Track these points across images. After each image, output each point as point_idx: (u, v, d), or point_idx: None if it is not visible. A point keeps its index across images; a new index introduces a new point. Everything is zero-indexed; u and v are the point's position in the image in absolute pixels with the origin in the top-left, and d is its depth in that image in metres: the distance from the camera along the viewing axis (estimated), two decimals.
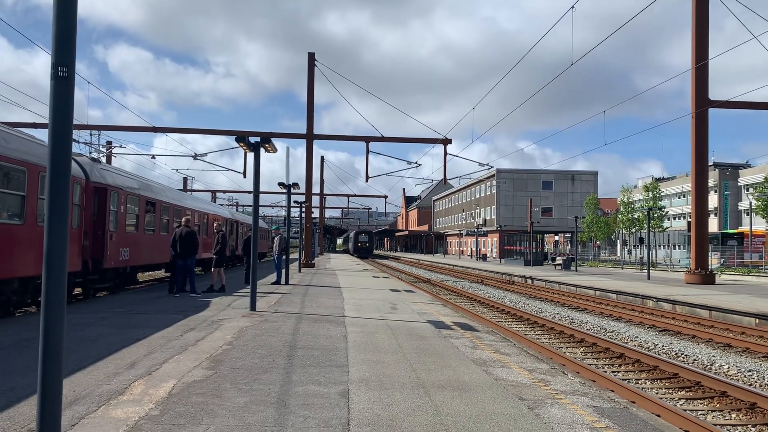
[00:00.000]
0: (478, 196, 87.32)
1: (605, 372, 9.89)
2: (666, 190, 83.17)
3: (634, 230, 60.35)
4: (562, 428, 5.07)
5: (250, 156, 13.17)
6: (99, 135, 50.93)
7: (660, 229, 58.54)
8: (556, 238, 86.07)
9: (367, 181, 35.58)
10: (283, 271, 21.57)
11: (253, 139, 12.76)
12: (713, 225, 75.16)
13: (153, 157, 37.52)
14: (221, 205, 55.27)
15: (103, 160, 31.03)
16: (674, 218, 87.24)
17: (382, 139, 32.87)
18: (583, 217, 63.62)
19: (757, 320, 15.68)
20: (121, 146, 39.72)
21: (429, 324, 11.67)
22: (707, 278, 26.58)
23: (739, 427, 7.25)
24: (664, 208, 61.26)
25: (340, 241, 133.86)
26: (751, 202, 53.10)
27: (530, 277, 33.66)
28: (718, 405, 8.16)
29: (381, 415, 5.24)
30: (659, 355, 11.54)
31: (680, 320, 17.01)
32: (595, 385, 7.29)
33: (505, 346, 9.54)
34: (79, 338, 8.72)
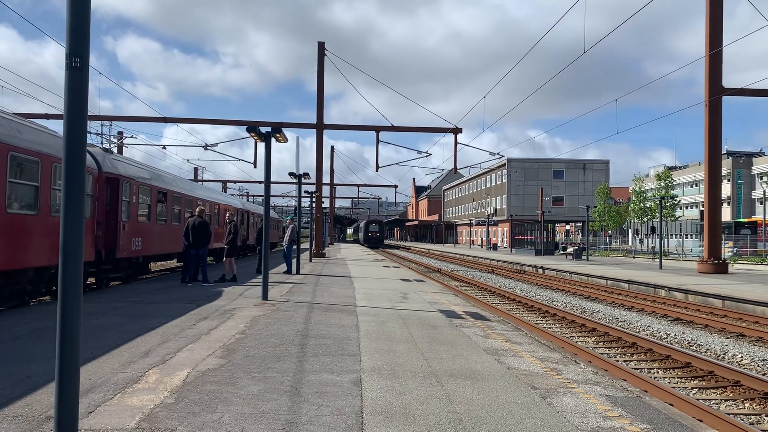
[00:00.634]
0: (488, 186, 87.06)
1: (617, 361, 9.88)
2: (678, 179, 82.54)
3: (646, 219, 59.99)
4: (575, 417, 5.07)
5: (260, 146, 13.21)
6: (110, 126, 51.17)
7: (672, 219, 58.17)
8: (567, 227, 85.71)
9: (377, 170, 35.60)
10: (294, 260, 21.64)
11: (264, 129, 12.77)
12: (726, 214, 74.61)
13: (164, 147, 37.72)
14: (232, 195, 55.46)
15: (115, 150, 31.20)
16: (686, 207, 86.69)
17: (393, 128, 32.80)
18: (595, 207, 63.28)
19: None
20: (132, 137, 39.89)
21: (440, 313, 11.69)
22: (720, 267, 26.39)
23: (752, 417, 7.22)
24: (677, 197, 60.87)
25: (350, 231, 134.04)
26: (765, 191, 52.60)
27: (541, 267, 33.59)
28: (731, 394, 8.14)
29: (394, 404, 5.26)
30: (672, 344, 11.49)
31: (693, 310, 16.93)
32: (607, 374, 7.27)
33: (517, 336, 9.54)
34: (94, 327, 8.81)
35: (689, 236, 54.57)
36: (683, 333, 13.11)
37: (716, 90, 25.92)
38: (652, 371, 9.50)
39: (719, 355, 10.96)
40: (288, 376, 6.15)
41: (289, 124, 36.92)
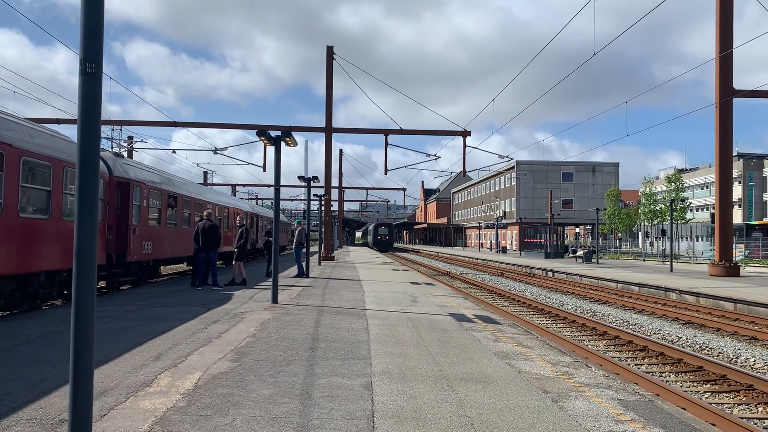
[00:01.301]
0: (497, 188, 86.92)
1: (628, 365, 9.82)
2: (688, 182, 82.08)
3: (656, 222, 59.69)
4: (587, 421, 5.05)
5: (270, 149, 13.24)
6: (120, 130, 51.51)
7: (683, 221, 57.85)
8: (577, 230, 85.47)
9: (386, 173, 35.58)
10: (303, 263, 21.68)
11: (273, 133, 12.82)
12: (737, 216, 74.05)
13: (173, 151, 37.93)
14: (241, 198, 55.66)
15: (125, 154, 31.39)
16: (697, 210, 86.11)
17: (401, 131, 32.85)
18: (605, 209, 63.03)
19: None
20: (142, 141, 40.16)
21: (450, 317, 11.67)
22: (731, 270, 26.20)
23: (766, 421, 7.16)
24: (687, 199, 60.52)
25: (358, 234, 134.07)
26: None
27: (551, 270, 33.47)
28: (744, 398, 8.07)
29: (405, 408, 5.26)
30: (683, 348, 11.42)
31: (704, 313, 16.81)
32: (618, 377, 7.24)
33: (527, 339, 9.51)
34: (105, 331, 8.86)
35: (700, 239, 54.26)
36: (695, 336, 13.02)
37: (727, 92, 25.78)
38: (663, 375, 9.44)
39: (731, 359, 10.87)
40: (299, 379, 6.16)
41: (297, 127, 36.99)
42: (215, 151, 34.40)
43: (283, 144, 12.99)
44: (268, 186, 60.26)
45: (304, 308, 12.15)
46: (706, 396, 8.22)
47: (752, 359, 10.72)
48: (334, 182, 48.51)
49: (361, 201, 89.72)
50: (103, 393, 5.44)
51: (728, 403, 7.87)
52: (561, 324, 14.80)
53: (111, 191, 15.33)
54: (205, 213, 17.10)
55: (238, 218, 18.32)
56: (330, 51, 33.35)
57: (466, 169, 34.45)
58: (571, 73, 20.22)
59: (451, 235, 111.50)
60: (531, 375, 6.73)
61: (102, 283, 16.10)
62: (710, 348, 11.83)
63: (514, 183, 78.91)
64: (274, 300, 12.82)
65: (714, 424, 6.46)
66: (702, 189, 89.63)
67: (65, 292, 13.43)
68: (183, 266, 28.36)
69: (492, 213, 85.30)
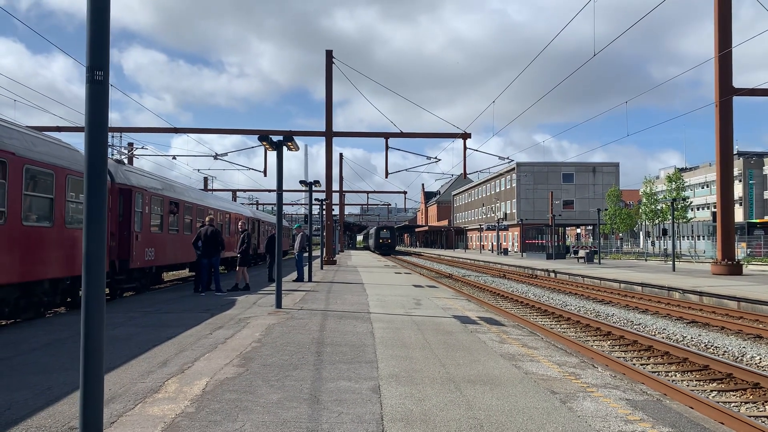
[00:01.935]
0: (498, 190, 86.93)
1: (634, 365, 9.81)
2: (689, 180, 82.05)
3: (657, 222, 59.67)
4: (597, 421, 5.04)
5: (270, 154, 13.25)
6: (120, 137, 51.59)
7: (684, 220, 57.82)
8: (578, 230, 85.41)
9: (386, 177, 35.56)
10: (305, 268, 21.67)
11: (275, 138, 12.83)
12: (738, 215, 73.99)
13: (174, 157, 37.92)
14: (242, 203, 55.66)
15: (126, 161, 31.41)
16: (698, 209, 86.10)
17: (402, 135, 32.84)
18: (605, 210, 63.01)
19: None
20: (142, 147, 40.17)
21: (454, 319, 11.67)
22: (734, 269, 26.19)
23: None
24: (688, 198, 60.52)
25: (359, 237, 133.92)
26: None
27: (553, 271, 33.45)
28: (751, 397, 8.07)
29: (413, 410, 5.25)
30: (688, 347, 11.41)
31: (708, 312, 16.80)
32: (625, 377, 7.23)
33: (533, 340, 9.50)
34: (111, 338, 8.85)
35: (701, 238, 54.23)
36: (699, 335, 13.01)
37: (727, 91, 25.80)
38: (669, 374, 9.44)
39: (737, 357, 10.86)
40: (306, 383, 6.16)
41: (298, 132, 36.96)
42: (216, 156, 34.41)
43: (284, 149, 13.01)
44: (269, 191, 60.27)
45: (309, 312, 12.14)
46: (713, 395, 8.21)
47: (758, 357, 10.71)
48: (335, 186, 48.53)
49: (361, 205, 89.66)
50: (112, 400, 5.43)
51: (735, 402, 7.87)
52: (565, 325, 14.79)
53: (113, 198, 15.34)
54: (207, 218, 17.12)
55: (240, 223, 18.33)
56: (329, 55, 33.38)
57: (467, 172, 34.43)
58: (572, 73, 20.26)
59: (453, 237, 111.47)
60: (538, 376, 6.73)
61: (105, 290, 16.08)
62: (715, 347, 11.82)
63: (514, 184, 78.91)
64: (278, 305, 12.81)
65: (722, 423, 6.45)
66: (703, 188, 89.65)
67: (69, 299, 13.43)
68: (185, 272, 28.37)
69: (493, 215, 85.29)
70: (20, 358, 7.44)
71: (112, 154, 41.22)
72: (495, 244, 74.87)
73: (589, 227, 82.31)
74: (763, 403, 7.75)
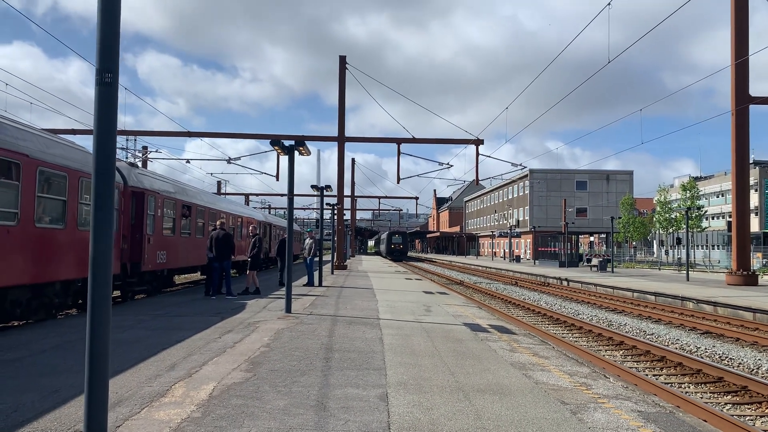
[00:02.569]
0: (510, 197, 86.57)
1: (647, 375, 9.67)
2: (703, 189, 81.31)
3: (671, 230, 59.14)
4: None
5: (282, 159, 13.26)
6: (135, 140, 52.02)
7: (698, 230, 57.27)
8: (591, 238, 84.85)
9: (398, 182, 35.50)
10: (316, 273, 21.65)
11: (287, 143, 12.83)
12: (754, 224, 73.15)
13: (187, 161, 38.13)
14: (254, 207, 55.84)
15: (140, 164, 31.61)
16: (712, 218, 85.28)
17: (414, 140, 32.80)
18: (619, 218, 62.57)
19: None
20: (156, 151, 40.45)
21: (465, 327, 11.58)
22: (750, 279, 25.84)
23: None
24: (703, 207, 59.96)
25: (371, 243, 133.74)
26: None
27: (566, 279, 33.21)
28: (767, 410, 7.91)
29: (421, 419, 5.18)
30: (702, 358, 11.24)
31: (723, 322, 16.57)
32: (637, 389, 7.12)
33: (544, 350, 9.40)
34: (119, 341, 8.86)
35: (716, 247, 53.67)
36: (713, 346, 12.82)
37: (743, 99, 25.53)
38: (683, 386, 9.29)
39: (752, 370, 10.68)
40: (314, 390, 6.11)
41: (310, 137, 37.05)
42: (229, 160, 34.56)
43: (296, 153, 13.00)
44: (281, 195, 60.50)
45: (318, 318, 12.10)
46: (727, 408, 8.07)
47: None
48: (347, 191, 48.58)
49: (373, 210, 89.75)
50: (118, 403, 5.41)
51: (750, 416, 7.72)
52: (577, 334, 14.64)
53: (126, 201, 15.41)
54: (218, 222, 17.15)
55: (251, 227, 18.37)
56: (342, 60, 33.43)
57: (479, 178, 34.32)
58: (587, 80, 20.12)
59: (464, 243, 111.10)
60: (548, 386, 6.63)
61: (116, 293, 16.15)
62: (730, 358, 11.63)
63: (527, 191, 78.53)
64: (288, 309, 12.78)
65: None
66: (717, 197, 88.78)
67: (80, 301, 13.48)
68: (197, 275, 28.45)
69: (505, 222, 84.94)
70: (30, 359, 7.45)
71: (126, 158, 41.49)
72: (507, 251, 74.51)
73: (603, 235, 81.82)
74: None
